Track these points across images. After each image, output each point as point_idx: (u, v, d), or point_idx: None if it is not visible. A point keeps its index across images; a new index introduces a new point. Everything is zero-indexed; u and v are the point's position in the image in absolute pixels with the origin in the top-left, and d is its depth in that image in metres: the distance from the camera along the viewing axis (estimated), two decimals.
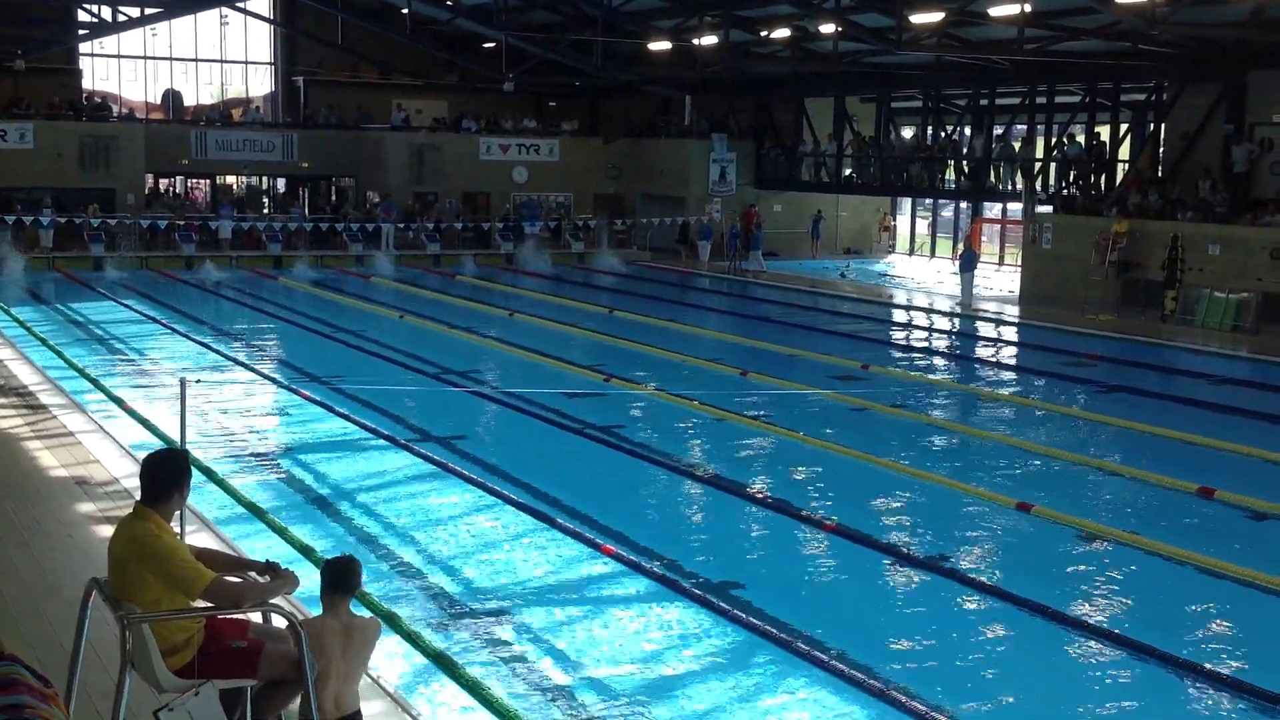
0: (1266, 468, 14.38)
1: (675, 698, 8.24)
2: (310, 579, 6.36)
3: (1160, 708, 8.26)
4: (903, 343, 25.49)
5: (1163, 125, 30.32)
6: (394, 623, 8.97)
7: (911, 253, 42.66)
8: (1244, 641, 9.43)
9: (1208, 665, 8.76)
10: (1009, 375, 21.64)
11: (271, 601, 5.74)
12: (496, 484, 12.91)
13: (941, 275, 35.95)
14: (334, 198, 40.70)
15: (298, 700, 5.70)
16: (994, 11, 26.21)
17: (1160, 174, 29.35)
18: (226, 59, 43.00)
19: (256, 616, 5.90)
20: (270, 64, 43.42)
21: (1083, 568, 11.03)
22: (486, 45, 40.29)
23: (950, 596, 10.26)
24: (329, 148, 39.28)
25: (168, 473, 5.66)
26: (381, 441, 14.82)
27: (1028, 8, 25.52)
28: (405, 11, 36.86)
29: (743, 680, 8.53)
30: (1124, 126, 32.77)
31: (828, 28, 29.63)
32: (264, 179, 40.72)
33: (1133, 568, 11.05)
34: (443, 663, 8.35)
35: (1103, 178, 31.68)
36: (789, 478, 13.96)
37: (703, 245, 37.13)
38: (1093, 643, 9.23)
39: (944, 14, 26.76)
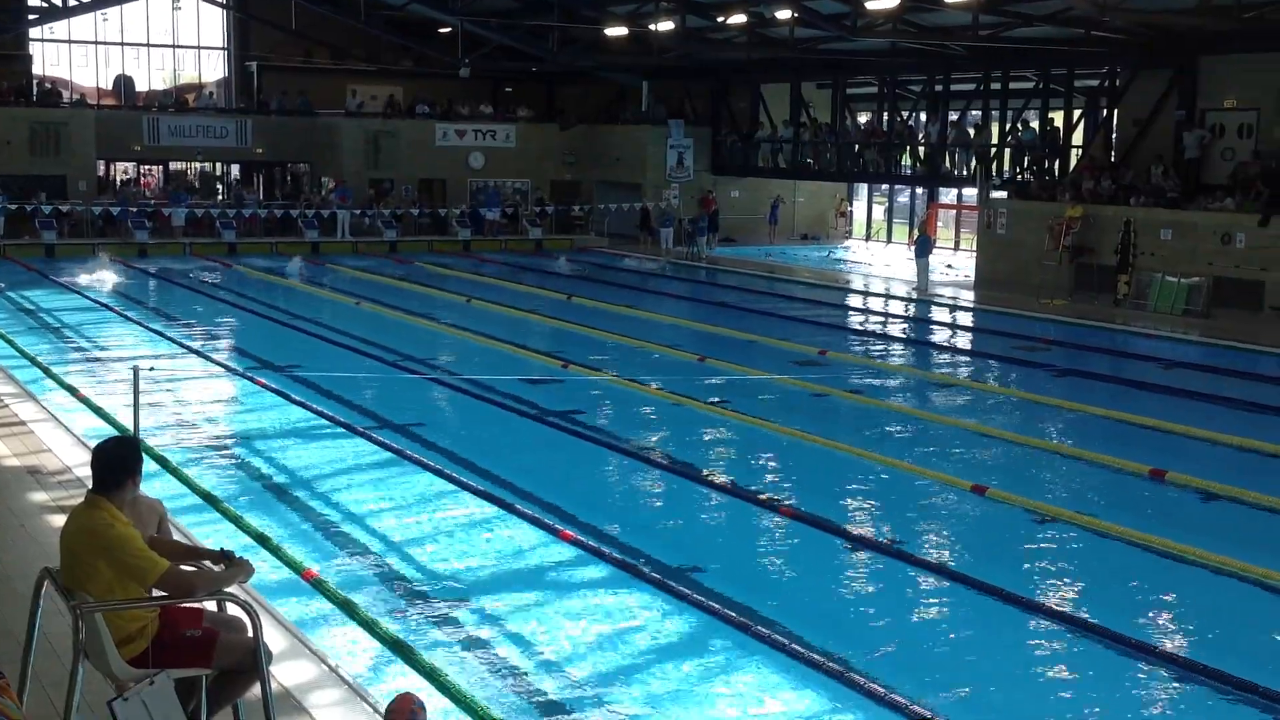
0: (1217, 450, 14.57)
1: (634, 681, 8.26)
2: (266, 568, 6.33)
3: (1112, 687, 8.35)
4: (860, 328, 25.61)
5: (1115, 111, 30.58)
6: (351, 610, 8.95)
7: (868, 238, 42.87)
8: (1195, 621, 9.56)
9: (1159, 645, 8.87)
10: (964, 359, 21.80)
11: (226, 590, 5.72)
12: (455, 470, 12.88)
13: (888, 261, 36.14)
14: (288, 184, 40.38)
15: (253, 689, 5.68)
16: None
17: (1113, 159, 29.60)
18: (179, 44, 42.55)
19: (212, 605, 5.86)
20: (223, 49, 43.00)
21: (1037, 549, 11.13)
22: (442, 30, 40.06)
23: (906, 579, 10.33)
24: (283, 133, 38.99)
25: (119, 460, 5.62)
26: (339, 429, 14.75)
27: None
28: None
29: (701, 664, 8.57)
30: (1077, 112, 33.01)
31: (784, 14, 29.67)
32: (217, 165, 40.36)
33: (1086, 549, 11.17)
34: (400, 649, 8.33)
35: (1056, 163, 31.94)
36: (747, 462, 14.01)
37: (665, 232, 37.19)
38: (1046, 624, 9.33)
39: (899, 0, 26.85)
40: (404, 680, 7.94)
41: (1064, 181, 29.82)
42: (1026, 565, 10.67)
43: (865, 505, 12.59)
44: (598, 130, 41.78)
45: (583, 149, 41.65)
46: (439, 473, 12.82)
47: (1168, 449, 14.42)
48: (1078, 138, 32.71)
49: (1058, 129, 32.90)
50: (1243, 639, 9.18)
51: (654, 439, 15.20)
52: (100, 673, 5.55)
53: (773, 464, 14.03)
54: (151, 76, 42.38)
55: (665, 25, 32.43)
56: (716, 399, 16.85)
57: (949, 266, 34.15)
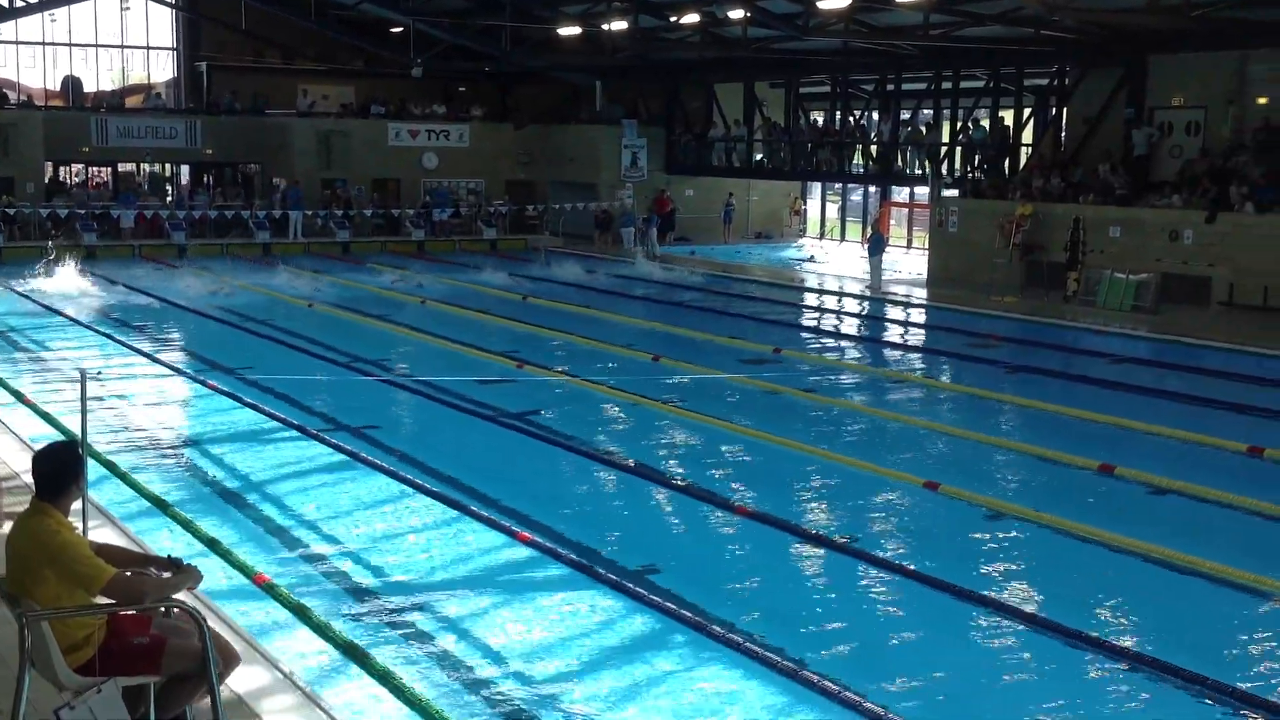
0: (1165, 444, 14.73)
1: (591, 682, 8.25)
2: (216, 573, 6.28)
3: (1065, 681, 8.43)
4: (814, 326, 25.71)
5: (1065, 109, 30.89)
6: (304, 615, 8.89)
7: (822, 236, 43.06)
8: (1144, 615, 9.67)
9: (1110, 639, 8.95)
10: (917, 357, 21.95)
11: (175, 597, 5.67)
12: (409, 473, 12.82)
13: (842, 259, 36.31)
14: (239, 184, 40.05)
15: (203, 696, 5.63)
16: None
17: (1063, 157, 29.89)
18: (127, 44, 42.11)
19: (160, 612, 5.80)
20: (172, 49, 42.59)
21: (989, 545, 11.21)
22: (394, 30, 39.88)
23: (862, 577, 10.38)
24: (233, 134, 38.68)
25: (62, 466, 5.56)
26: (291, 432, 14.65)
27: None
28: None
29: (658, 664, 8.57)
30: (1027, 111, 33.31)
31: (736, 13, 29.76)
32: (167, 166, 39.98)
33: (1037, 544, 11.26)
34: (354, 654, 8.28)
35: (1007, 162, 32.21)
36: (702, 462, 14.02)
37: (626, 232, 37.23)
38: (999, 619, 9.40)
39: (850, 0, 27.00)
40: (358, 685, 7.90)
41: (1014, 180, 30.09)
42: (979, 561, 10.74)
43: (820, 503, 12.64)
44: (551, 130, 41.73)
45: (537, 149, 41.59)
46: (393, 475, 12.75)
47: (1117, 444, 14.56)
48: (1028, 136, 33.03)
49: (1008, 128, 33.22)
50: (1191, 632, 9.29)
51: (610, 439, 15.20)
52: (47, 681, 5.48)
53: (728, 463, 14.05)
54: (100, 77, 41.93)
55: (618, 25, 32.45)
56: (672, 398, 16.87)
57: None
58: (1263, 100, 25.89)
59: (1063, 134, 30.94)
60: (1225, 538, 11.47)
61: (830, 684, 8.01)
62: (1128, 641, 8.94)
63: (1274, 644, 9.11)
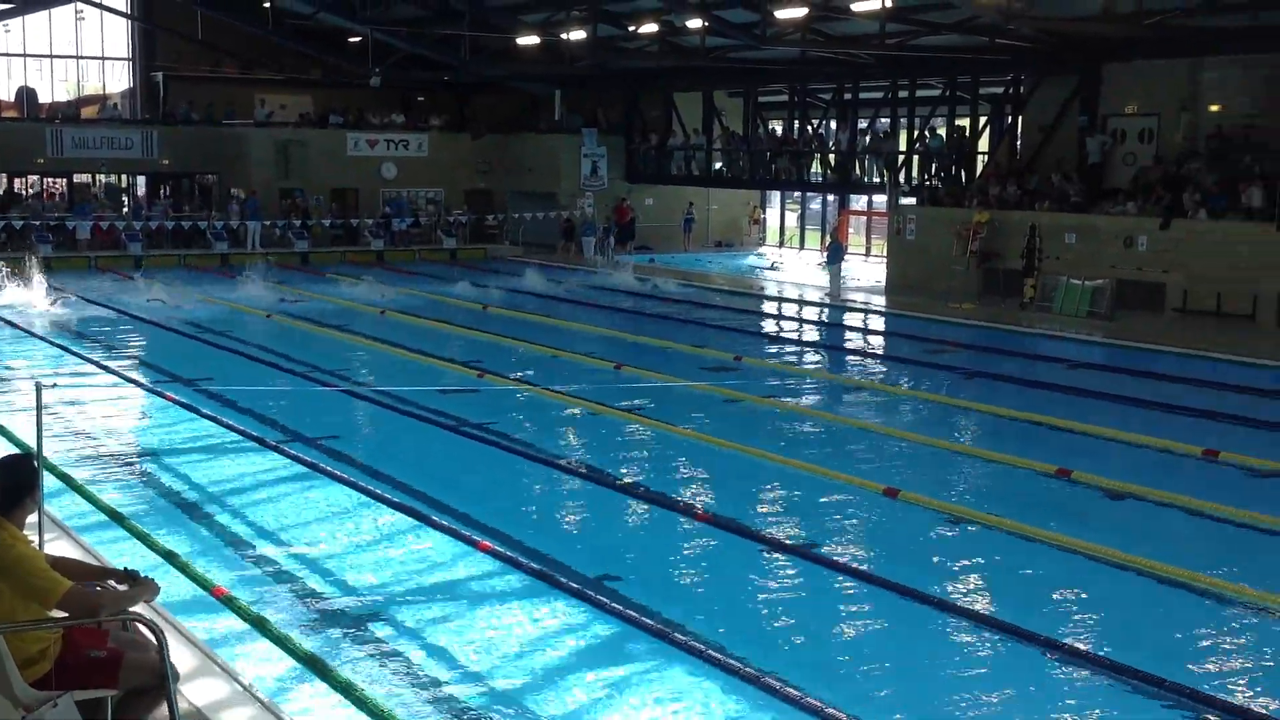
0: (1121, 448, 14.88)
1: (553, 691, 8.25)
2: (175, 585, 6.24)
3: (1024, 684, 8.49)
4: (774, 334, 25.80)
5: (1020, 118, 31.16)
6: (263, 627, 8.83)
7: (781, 245, 43.23)
8: (1100, 617, 9.75)
9: (1068, 641, 9.03)
10: (875, 364, 22.07)
11: (132, 610, 5.62)
12: (370, 483, 12.76)
13: (801, 267, 36.46)
14: (195, 195, 39.77)
15: (162, 709, 5.59)
16: (856, 7, 26.70)
17: (1018, 165, 30.15)
18: (83, 55, 41.76)
19: (117, 625, 5.76)
20: (128, 60, 42.26)
21: (948, 550, 11.28)
22: (352, 40, 39.76)
23: (822, 583, 10.42)
24: (190, 144, 38.41)
25: (17, 479, 5.52)
26: (250, 443, 14.55)
27: (889, 3, 26.01)
28: (267, 5, 36.15)
29: (620, 672, 8.57)
30: (983, 119, 33.58)
31: (695, 23, 29.89)
32: (123, 177, 39.66)
33: (995, 549, 11.35)
34: (314, 665, 8.24)
35: (963, 170, 32.45)
36: (664, 470, 14.04)
37: (587, 241, 37.18)
38: (960, 623, 9.46)
39: (808, 9, 27.17)
40: (319, 697, 7.86)
41: (971, 188, 30.31)
42: (938, 566, 10.81)
43: (780, 509, 12.68)
44: (511, 139, 41.73)
45: (496, 158, 41.57)
46: (353, 485, 12.70)
47: (1073, 449, 14.69)
48: (984, 144, 33.28)
49: (965, 136, 33.45)
50: (1148, 634, 9.38)
51: (571, 447, 15.20)
52: (3, 696, 5.42)
53: (689, 470, 14.09)
54: (55, 88, 41.55)
55: (577, 34, 32.47)
56: (633, 404, 16.88)
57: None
58: (1215, 107, 26.22)
59: (1018, 142, 31.22)
60: (1181, 541, 11.59)
61: (791, 690, 8.05)
62: (1085, 644, 9.01)
63: (1230, 646, 9.22)
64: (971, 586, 10.41)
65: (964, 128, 33.86)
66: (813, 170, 36.74)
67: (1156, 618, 9.82)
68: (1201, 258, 24.12)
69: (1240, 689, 8.42)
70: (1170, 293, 24.68)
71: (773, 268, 36.64)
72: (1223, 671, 8.71)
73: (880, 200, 34.80)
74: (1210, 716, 7.95)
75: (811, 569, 10.68)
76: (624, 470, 13.93)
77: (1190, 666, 8.69)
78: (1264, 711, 7.99)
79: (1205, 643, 9.25)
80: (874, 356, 22.95)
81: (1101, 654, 8.74)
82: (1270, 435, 15.42)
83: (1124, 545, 10.96)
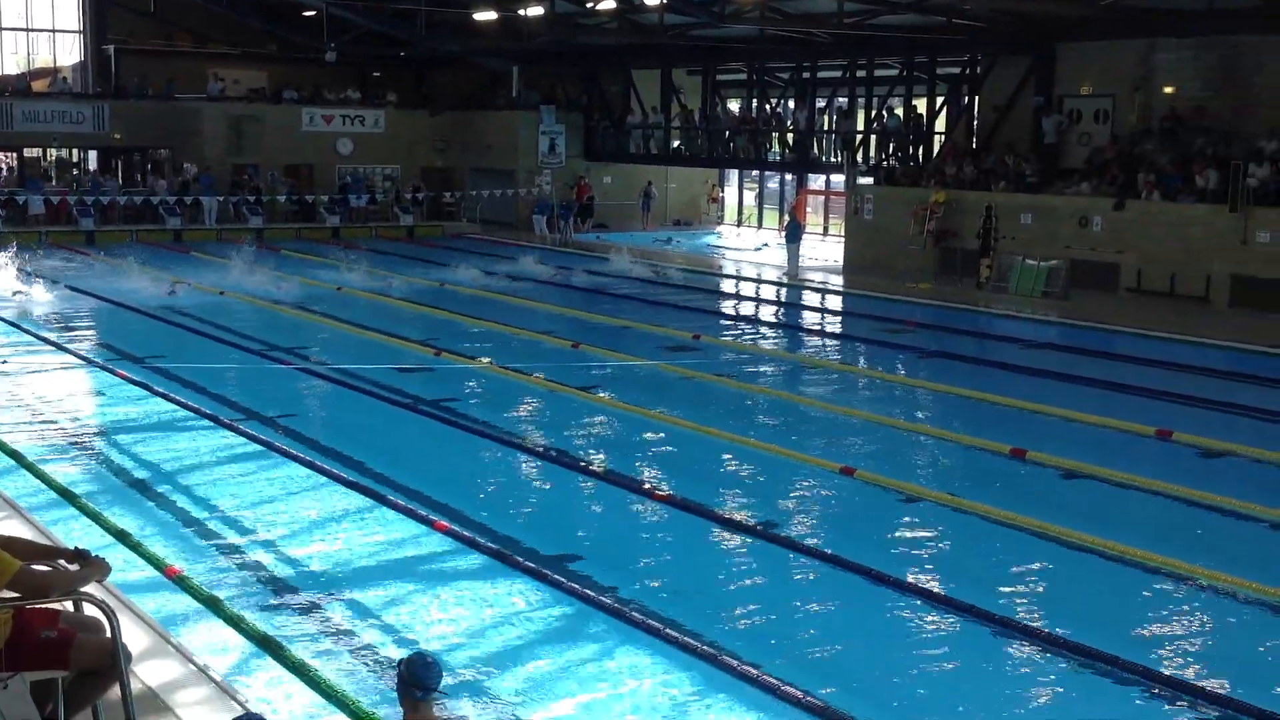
0: (1075, 428, 14.99)
1: (510, 670, 8.23)
2: (126, 565, 6.17)
3: (980, 662, 8.56)
4: (732, 313, 25.83)
5: (976, 98, 31.29)
6: (217, 607, 8.76)
7: (739, 224, 43.25)
8: (1056, 596, 9.84)
9: (1024, 621, 9.10)
10: (833, 343, 22.15)
11: (83, 590, 5.55)
12: (325, 462, 12.68)
13: (758, 245, 36.50)
14: (147, 170, 39.30)
15: (114, 690, 5.53)
16: None
17: (974, 145, 30.28)
18: (33, 28, 41.08)
19: (69, 605, 5.69)
20: (79, 32, 41.61)
21: (904, 529, 11.35)
22: (307, 14, 39.29)
23: (780, 562, 10.45)
24: (142, 119, 37.89)
25: None
26: (204, 421, 14.42)
27: None
28: None
29: (577, 651, 8.57)
30: (940, 99, 33.70)
31: (654, 0, 29.73)
32: (74, 151, 39.13)
33: (951, 528, 11.42)
34: (268, 645, 8.18)
35: (920, 149, 32.57)
36: (622, 449, 14.03)
37: (538, 219, 37.04)
38: (916, 602, 9.51)
39: None
40: (273, 677, 7.81)
41: (928, 167, 30.44)
42: (894, 545, 10.86)
43: (738, 489, 12.69)
44: (469, 116, 41.47)
45: (454, 135, 41.32)
46: (308, 464, 12.61)
47: (1028, 428, 14.80)
48: (941, 124, 33.41)
49: (921, 116, 33.57)
50: (1102, 613, 9.46)
51: (528, 426, 15.16)
52: None
53: (647, 450, 14.08)
54: (4, 61, 40.87)
55: (535, 10, 32.28)
56: (591, 384, 16.85)
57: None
58: (1169, 89, 26.43)
59: (975, 122, 31.35)
60: (1136, 520, 11.69)
61: (749, 667, 8.07)
62: (1040, 623, 9.08)
63: (1184, 625, 9.32)
64: (926, 565, 10.47)
65: (921, 108, 33.97)
66: (771, 149, 36.75)
67: (1110, 597, 9.90)
68: (1155, 238, 24.35)
69: (1193, 666, 8.52)
70: (1125, 273, 24.90)
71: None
72: (1176, 650, 8.81)
73: (838, 179, 34.85)
74: (1163, 693, 8.04)
75: (768, 548, 10.71)
76: (581, 449, 13.91)
77: (1144, 644, 8.77)
78: (1216, 688, 8.08)
79: (1159, 621, 9.34)
80: (831, 336, 23.02)
81: (1055, 632, 8.81)
82: (1222, 416, 15.58)
83: (1078, 524, 11.04)
